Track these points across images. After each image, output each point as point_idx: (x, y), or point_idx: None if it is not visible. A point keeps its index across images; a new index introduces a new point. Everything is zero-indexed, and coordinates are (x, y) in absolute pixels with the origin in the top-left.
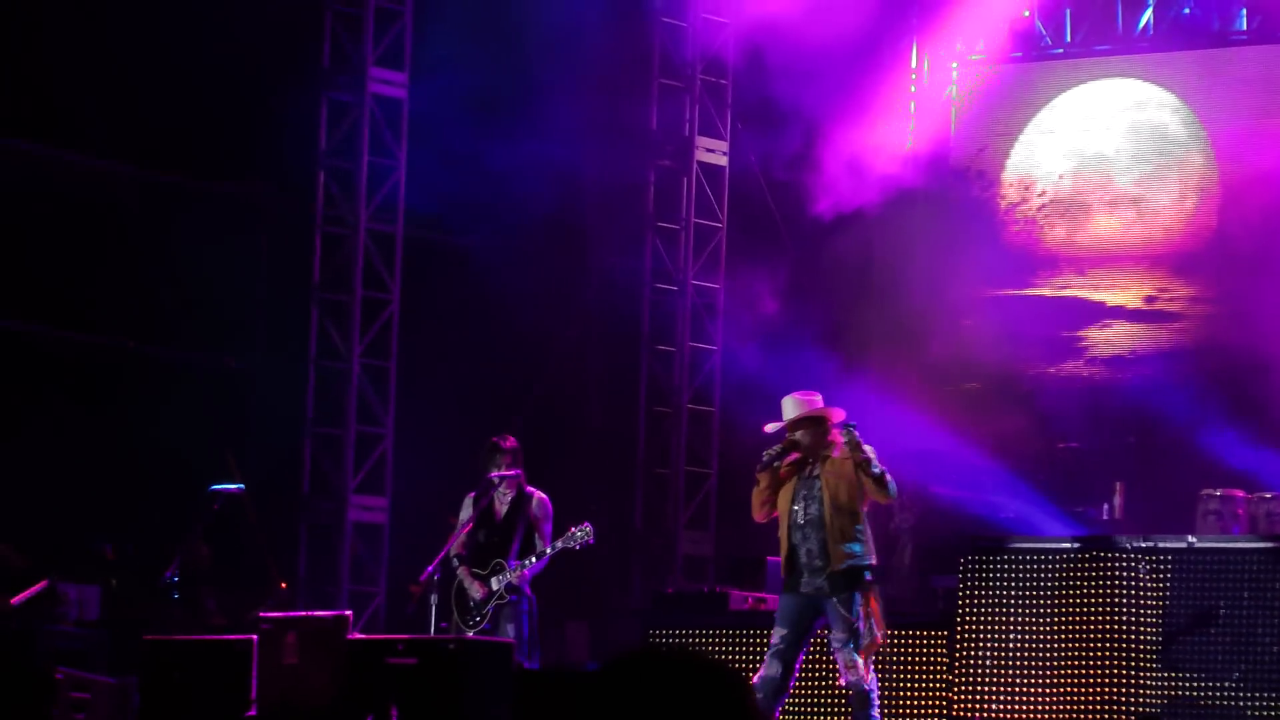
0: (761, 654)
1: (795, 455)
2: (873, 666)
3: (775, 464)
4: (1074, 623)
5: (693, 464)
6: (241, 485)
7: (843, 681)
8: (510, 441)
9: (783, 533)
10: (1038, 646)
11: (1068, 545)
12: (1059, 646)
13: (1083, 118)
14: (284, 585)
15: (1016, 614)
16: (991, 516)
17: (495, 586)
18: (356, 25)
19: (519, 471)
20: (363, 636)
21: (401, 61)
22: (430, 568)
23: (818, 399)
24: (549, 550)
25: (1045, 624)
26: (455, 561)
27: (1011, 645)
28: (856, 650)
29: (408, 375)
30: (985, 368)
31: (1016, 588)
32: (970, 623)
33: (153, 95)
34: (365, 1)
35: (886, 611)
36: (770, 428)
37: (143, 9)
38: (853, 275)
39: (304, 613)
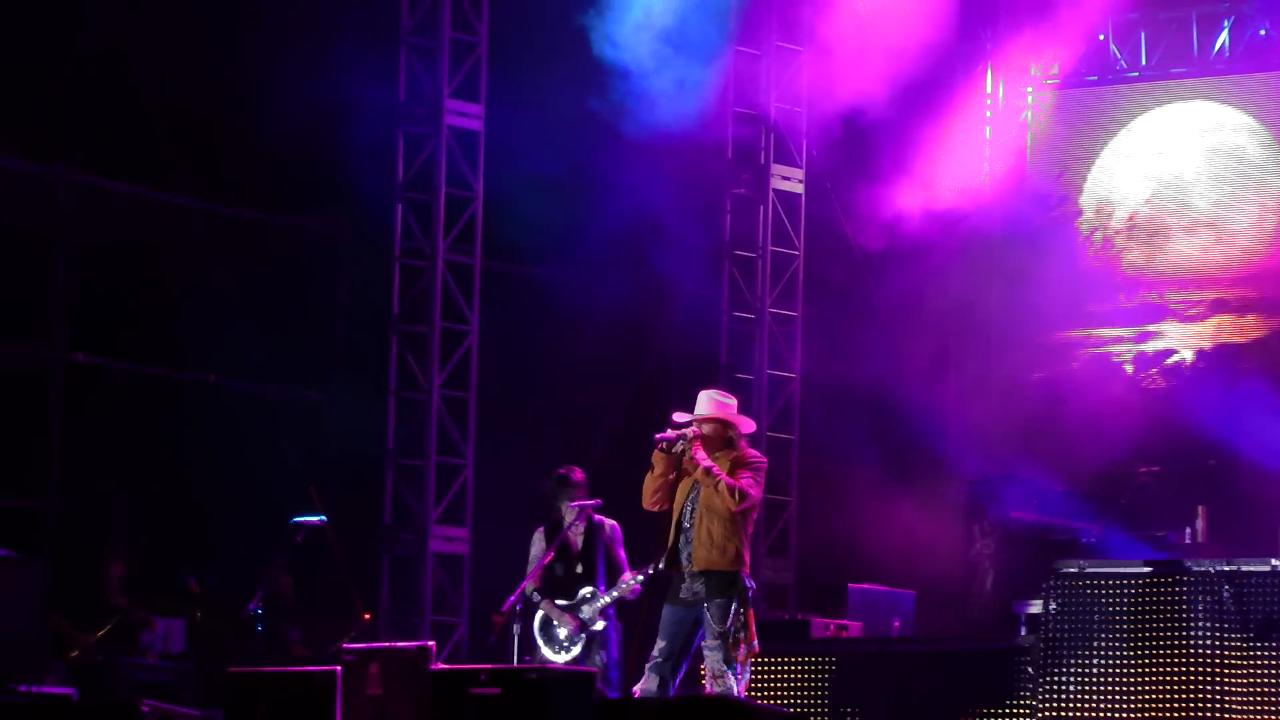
0: (846, 682)
1: (698, 449)
2: (745, 676)
3: (675, 450)
4: (1156, 647)
5: (772, 492)
6: (323, 517)
7: (708, 690)
8: (578, 473)
9: (671, 535)
10: (1120, 671)
11: (1149, 569)
12: (1142, 671)
13: (1159, 141)
14: (367, 616)
15: (1099, 639)
16: (1073, 541)
17: (586, 616)
18: (432, 58)
19: (598, 501)
20: (445, 667)
21: (477, 93)
22: (512, 597)
23: (733, 403)
24: (638, 580)
25: (1128, 648)
26: (536, 596)
27: (1094, 670)
28: (727, 660)
29: (487, 405)
30: (1063, 391)
31: (1098, 612)
32: (1052, 648)
33: (232, 133)
34: (440, 34)
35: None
36: (680, 417)
37: (221, 49)
38: (929, 300)
39: (387, 644)
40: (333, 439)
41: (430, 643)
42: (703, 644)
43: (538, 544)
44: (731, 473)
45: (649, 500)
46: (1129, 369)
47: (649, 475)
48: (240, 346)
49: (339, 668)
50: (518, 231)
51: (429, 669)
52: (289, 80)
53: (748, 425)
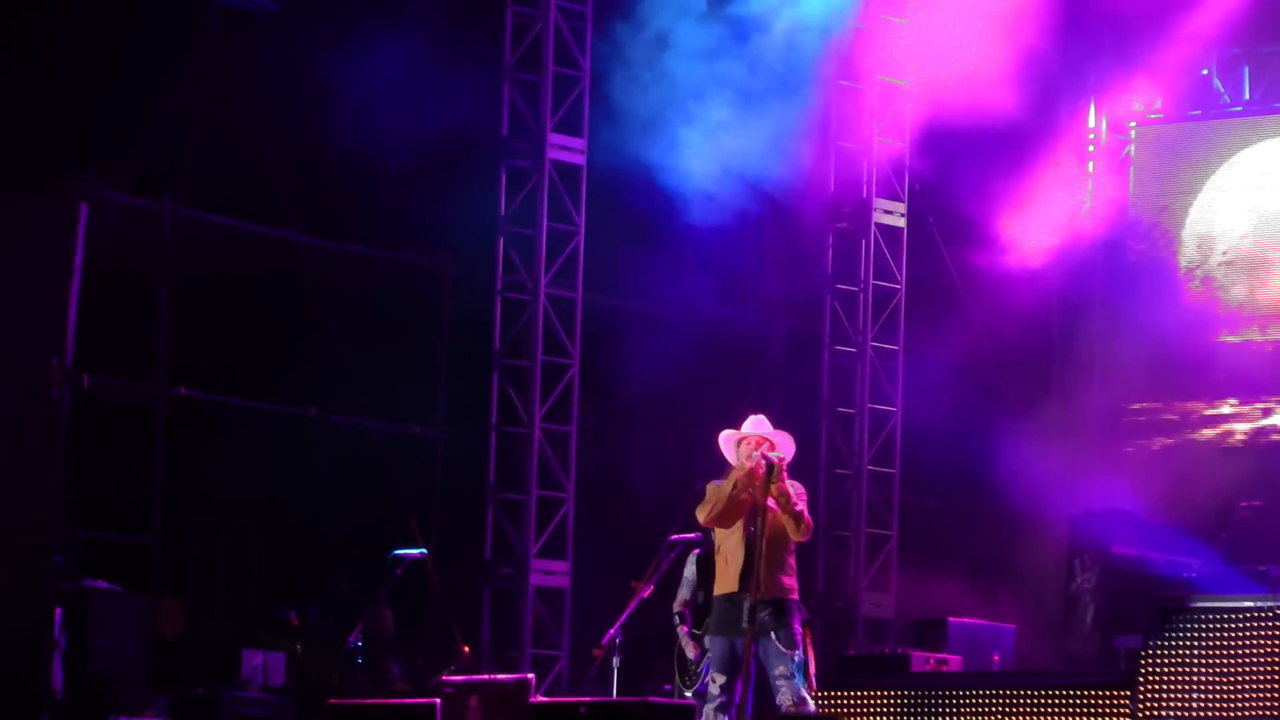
0: (946, 716)
1: (784, 476)
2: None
3: (772, 476)
4: (1258, 682)
5: (873, 525)
6: (425, 551)
7: (783, 710)
8: None
9: (723, 565)
10: (1222, 706)
11: (1251, 605)
12: (1243, 706)
13: (1262, 174)
14: (466, 649)
15: (1200, 673)
16: (1174, 576)
17: (708, 646)
18: (534, 92)
19: (699, 535)
20: (545, 700)
21: (580, 127)
22: (612, 631)
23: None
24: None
25: (1229, 683)
26: (677, 620)
27: (1195, 705)
28: (806, 687)
29: (588, 440)
30: (1166, 425)
31: (1199, 647)
32: (1153, 682)
33: (336, 167)
34: (544, 68)
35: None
36: (728, 438)
37: (327, 84)
38: (1032, 336)
39: (487, 676)
40: (435, 473)
41: (530, 675)
42: (775, 674)
43: (690, 566)
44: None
45: (714, 516)
46: (1230, 404)
47: (723, 491)
48: (344, 381)
49: (439, 700)
50: (619, 265)
51: (528, 702)
52: (393, 115)
53: (790, 449)
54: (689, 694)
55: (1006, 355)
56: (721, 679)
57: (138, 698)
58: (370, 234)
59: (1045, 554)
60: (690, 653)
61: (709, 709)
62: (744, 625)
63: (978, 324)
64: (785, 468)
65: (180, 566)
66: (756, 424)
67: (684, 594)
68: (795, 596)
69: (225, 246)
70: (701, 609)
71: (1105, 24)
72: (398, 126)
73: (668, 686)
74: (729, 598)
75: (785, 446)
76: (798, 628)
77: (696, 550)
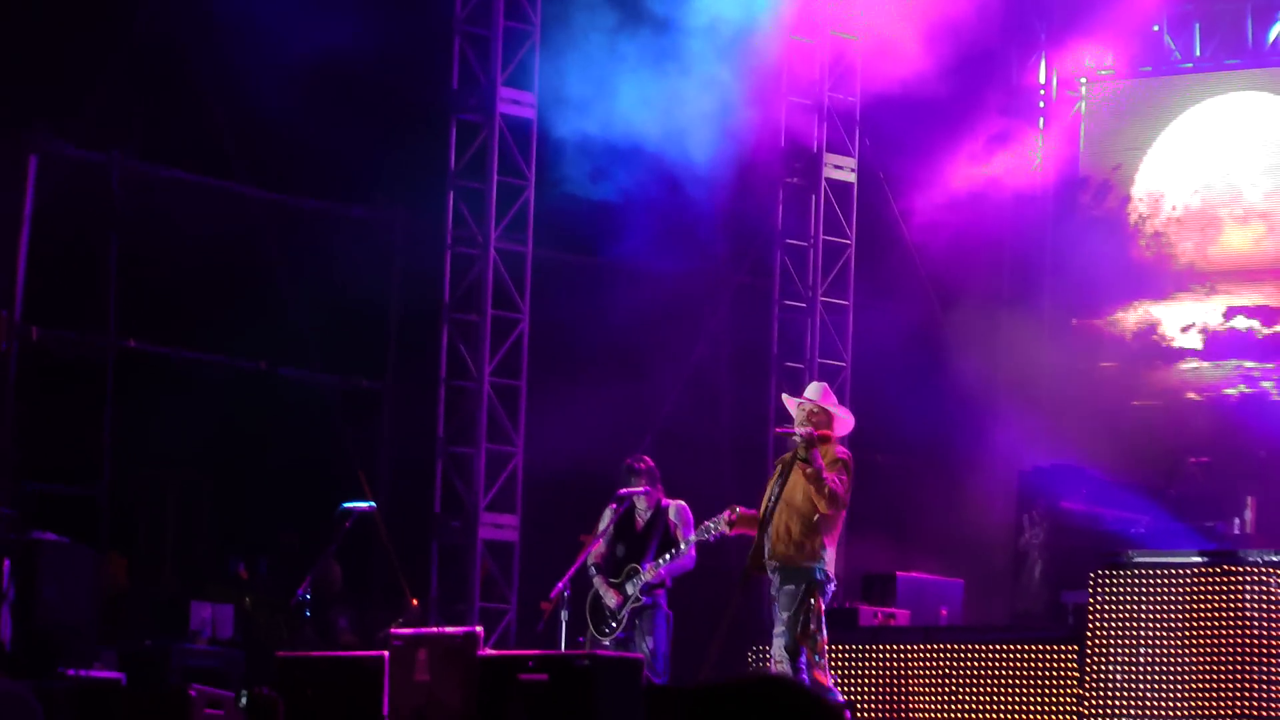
0: (893, 670)
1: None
2: (825, 667)
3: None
4: (1204, 637)
5: None
6: (373, 504)
7: (773, 670)
8: (645, 462)
9: (761, 523)
10: (1168, 661)
11: (1198, 560)
12: (1189, 661)
13: (1213, 131)
14: (415, 603)
15: (1147, 629)
16: (1121, 532)
17: (630, 591)
18: (485, 46)
19: (647, 489)
20: (494, 653)
21: (530, 81)
22: (560, 584)
23: (834, 400)
24: (683, 545)
25: (1175, 639)
26: (592, 570)
27: (1142, 660)
28: (789, 649)
29: (538, 393)
30: (1113, 381)
31: (1146, 603)
32: (1100, 638)
33: (286, 122)
34: (494, 22)
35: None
36: (789, 403)
37: (275, 38)
38: (981, 291)
39: (435, 630)
40: (384, 426)
41: (478, 629)
42: (773, 634)
43: (605, 519)
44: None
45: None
46: (1177, 361)
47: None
48: (293, 334)
49: (387, 654)
50: (569, 220)
51: (477, 655)
52: (344, 68)
53: (845, 422)
54: (607, 643)
55: (956, 311)
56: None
57: (86, 650)
58: (320, 188)
59: (994, 509)
60: (612, 601)
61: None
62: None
63: (927, 280)
64: (815, 441)
65: (129, 519)
66: (811, 392)
67: (601, 547)
68: (807, 564)
69: (175, 200)
70: (620, 559)
71: None
72: (348, 80)
73: (581, 639)
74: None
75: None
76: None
77: (613, 505)
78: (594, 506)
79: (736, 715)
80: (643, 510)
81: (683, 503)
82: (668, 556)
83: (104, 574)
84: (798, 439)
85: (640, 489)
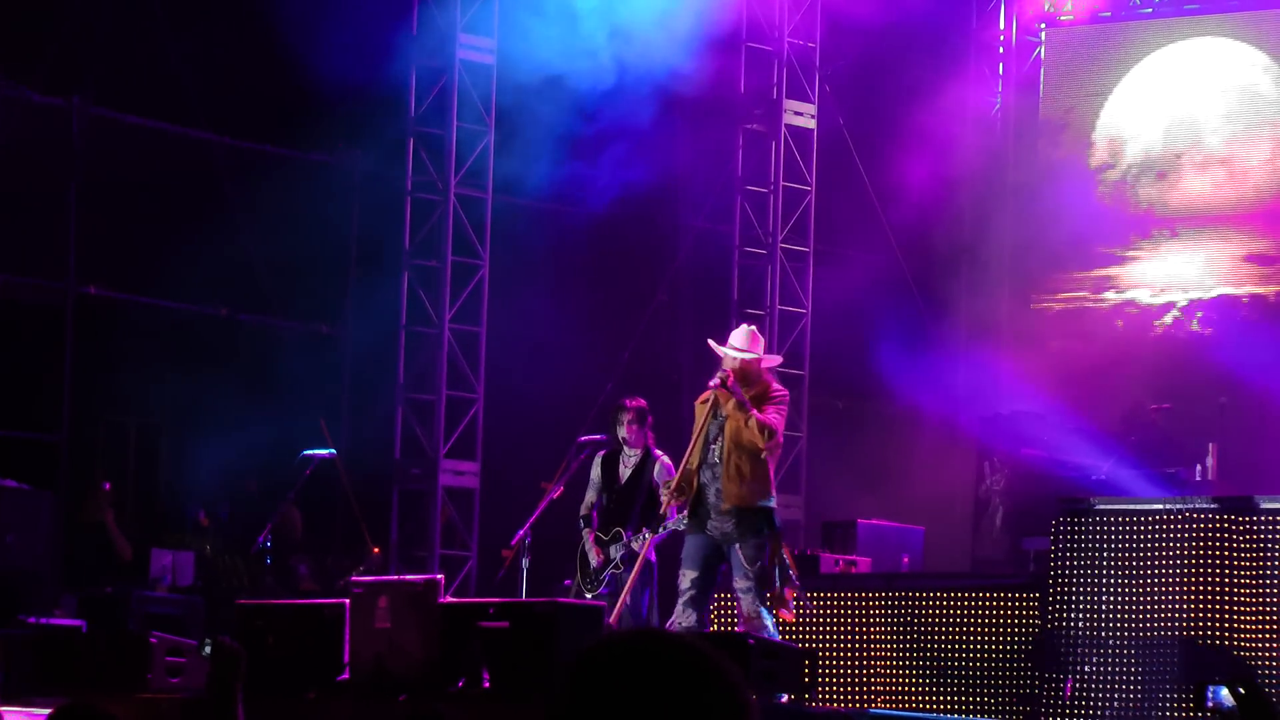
0: (854, 618)
1: (733, 384)
2: (790, 609)
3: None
4: (1166, 584)
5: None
6: (333, 451)
7: (740, 629)
8: (636, 401)
9: (692, 469)
10: (1129, 608)
11: (1159, 506)
12: (1151, 608)
13: (1172, 78)
14: (376, 550)
15: (1108, 576)
16: (1083, 479)
17: (613, 555)
18: None
19: (604, 436)
20: (454, 600)
21: (490, 27)
22: (521, 532)
23: (761, 340)
24: (666, 528)
25: (1137, 586)
26: (582, 522)
27: (1103, 607)
28: (762, 601)
29: (498, 340)
30: (1074, 328)
31: (1108, 550)
32: (1061, 584)
33: (246, 68)
34: None
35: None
36: (717, 346)
37: None
38: (942, 237)
39: (396, 577)
40: (344, 373)
41: (439, 576)
42: (735, 586)
43: (595, 468)
44: (757, 407)
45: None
46: (1139, 307)
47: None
48: (253, 280)
49: (347, 601)
50: (529, 165)
51: (437, 602)
52: (302, 15)
53: (772, 360)
54: (589, 595)
55: (916, 258)
56: (691, 574)
57: (46, 596)
58: (280, 134)
59: (955, 456)
60: (593, 559)
61: (679, 603)
62: (706, 531)
63: (887, 226)
64: (734, 382)
65: (89, 466)
66: (733, 338)
67: (590, 496)
68: (763, 504)
69: (135, 146)
70: (607, 511)
71: None
72: (308, 25)
73: (568, 582)
74: (699, 494)
75: (750, 348)
76: (764, 540)
77: (602, 452)
78: (555, 454)
79: (621, 681)
80: (629, 457)
81: (668, 461)
82: (646, 535)
83: (87, 502)
84: (719, 379)
85: (594, 436)
